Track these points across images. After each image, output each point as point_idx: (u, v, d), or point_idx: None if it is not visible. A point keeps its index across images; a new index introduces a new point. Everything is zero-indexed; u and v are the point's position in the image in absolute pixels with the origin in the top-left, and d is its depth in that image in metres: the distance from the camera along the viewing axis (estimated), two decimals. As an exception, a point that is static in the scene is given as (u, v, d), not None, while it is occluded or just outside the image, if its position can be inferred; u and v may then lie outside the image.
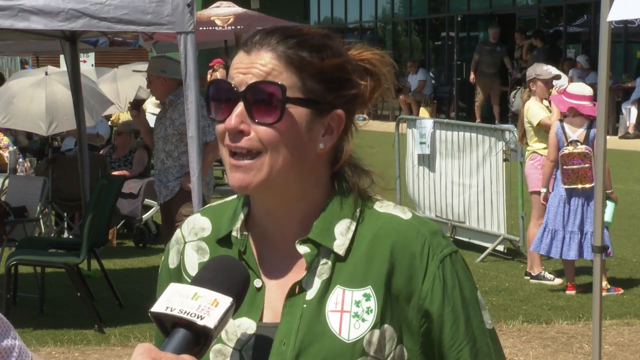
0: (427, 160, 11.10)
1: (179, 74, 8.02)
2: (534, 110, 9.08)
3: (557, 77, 9.55)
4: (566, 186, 8.54)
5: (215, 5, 16.00)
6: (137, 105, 8.58)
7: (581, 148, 8.48)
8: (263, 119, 1.79)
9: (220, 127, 1.83)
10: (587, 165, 8.42)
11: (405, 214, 1.89)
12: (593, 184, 8.32)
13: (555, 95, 8.97)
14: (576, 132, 8.56)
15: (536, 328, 7.73)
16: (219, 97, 1.84)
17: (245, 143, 1.80)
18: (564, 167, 8.50)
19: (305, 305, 1.82)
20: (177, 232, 1.99)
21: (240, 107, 1.80)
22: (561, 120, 8.72)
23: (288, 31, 1.85)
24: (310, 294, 1.83)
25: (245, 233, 1.90)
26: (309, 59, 1.82)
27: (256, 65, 1.81)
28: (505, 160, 10.20)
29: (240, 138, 1.80)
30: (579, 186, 8.50)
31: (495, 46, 24.27)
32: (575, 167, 8.45)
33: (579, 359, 6.97)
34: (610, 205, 8.55)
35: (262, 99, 1.79)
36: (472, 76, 24.45)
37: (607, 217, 8.54)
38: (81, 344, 7.38)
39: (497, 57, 24.29)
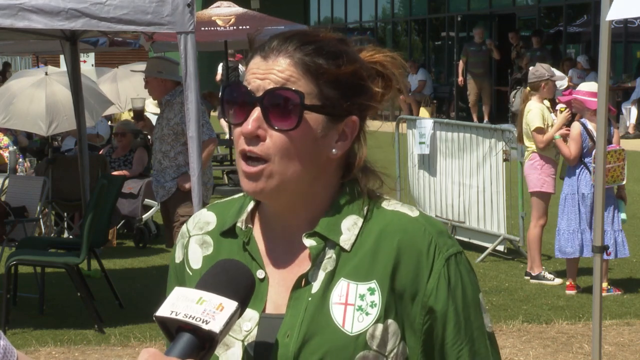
0: (427, 160, 11.09)
1: (175, 75, 8.04)
2: (534, 115, 8.99)
3: (561, 79, 9.57)
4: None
5: (215, 5, 16.00)
6: (139, 116, 8.63)
7: (614, 146, 8.50)
8: (280, 125, 1.81)
9: (236, 130, 1.84)
10: (622, 163, 8.44)
11: (412, 212, 1.90)
12: (624, 182, 8.39)
13: (567, 95, 8.91)
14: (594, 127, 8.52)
15: (536, 328, 7.72)
16: (235, 100, 1.85)
17: (259, 149, 1.81)
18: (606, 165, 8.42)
19: (310, 299, 1.83)
20: (183, 228, 2.01)
21: (257, 112, 1.82)
22: (576, 118, 8.71)
23: (305, 37, 1.86)
24: (316, 287, 1.84)
25: (250, 225, 1.92)
26: (325, 66, 1.83)
27: (273, 71, 1.82)
28: (505, 160, 10.19)
29: (256, 143, 1.82)
30: (615, 185, 8.47)
31: (480, 46, 24.44)
32: (610, 165, 8.39)
33: (579, 359, 6.97)
34: (621, 204, 8.60)
35: (279, 105, 1.81)
36: (460, 79, 24.54)
37: (623, 215, 8.60)
38: (81, 344, 7.38)
39: (484, 56, 24.44)
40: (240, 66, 21.02)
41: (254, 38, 1.96)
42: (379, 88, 1.91)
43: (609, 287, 8.68)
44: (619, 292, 8.74)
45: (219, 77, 22.29)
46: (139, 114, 8.73)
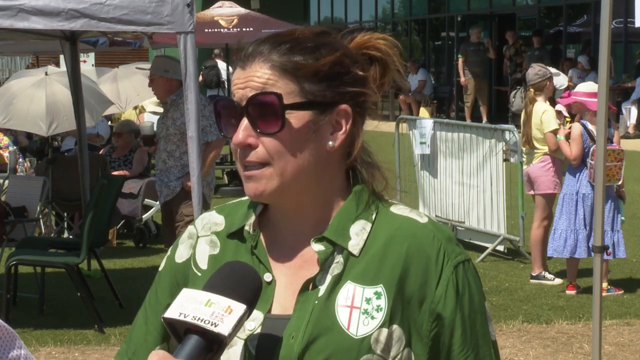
0: (427, 160, 11.10)
1: (181, 75, 8.04)
2: (550, 116, 8.88)
3: (557, 75, 9.52)
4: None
5: (217, 5, 16.01)
6: (149, 141, 8.66)
7: (614, 146, 8.48)
8: (266, 129, 1.81)
9: (232, 143, 1.86)
10: (619, 162, 8.43)
11: (421, 218, 1.89)
12: (620, 181, 8.37)
13: (567, 98, 8.89)
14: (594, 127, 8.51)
15: (536, 328, 7.73)
16: (224, 114, 1.87)
17: (253, 157, 1.82)
18: (592, 162, 8.42)
19: (316, 302, 1.83)
20: (191, 228, 2.00)
21: (245, 122, 1.82)
22: (575, 119, 8.70)
23: (279, 37, 1.86)
24: (322, 291, 1.84)
25: (257, 229, 1.92)
26: (302, 62, 1.82)
27: (252, 78, 1.82)
28: (505, 160, 10.18)
29: (249, 152, 1.82)
30: (614, 185, 8.46)
31: (478, 45, 24.54)
32: (607, 164, 8.37)
33: (579, 359, 6.97)
34: (620, 204, 8.61)
35: (262, 110, 1.81)
36: (462, 79, 24.52)
37: (622, 215, 8.61)
38: (81, 344, 7.38)
39: (484, 56, 24.54)
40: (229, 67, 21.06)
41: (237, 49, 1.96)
42: (376, 72, 1.90)
43: (609, 287, 8.68)
44: (619, 292, 8.74)
45: (200, 78, 22.42)
46: (149, 140, 8.76)
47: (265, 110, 1.81)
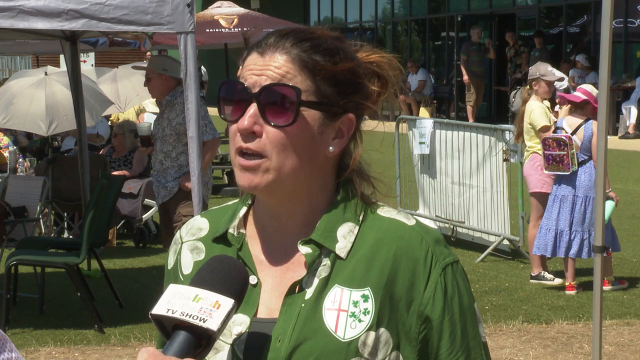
0: (427, 160, 11.10)
1: (179, 74, 8.03)
2: (538, 114, 9.00)
3: (561, 79, 9.59)
4: (547, 172, 8.70)
5: (216, 5, 16.01)
6: (146, 142, 8.65)
7: (559, 135, 8.57)
8: (276, 121, 1.80)
9: (232, 127, 1.84)
10: (563, 152, 8.50)
11: (409, 221, 1.89)
12: (569, 172, 8.42)
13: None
14: (570, 122, 8.68)
15: (536, 328, 7.73)
16: (231, 97, 1.85)
17: (255, 146, 1.80)
18: (545, 152, 8.62)
19: (303, 305, 1.82)
20: (177, 234, 2.01)
21: (253, 108, 1.81)
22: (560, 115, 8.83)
23: (302, 34, 1.86)
24: (309, 293, 1.83)
25: (242, 231, 1.91)
26: (322, 63, 1.82)
27: (270, 67, 1.81)
28: (505, 160, 10.19)
29: (252, 139, 1.81)
30: (557, 173, 8.61)
31: (480, 45, 24.67)
32: (554, 152, 8.52)
33: (579, 359, 6.97)
34: (608, 204, 8.58)
35: (276, 101, 1.80)
36: (465, 77, 24.55)
37: (605, 215, 8.59)
38: (81, 344, 7.38)
39: (484, 56, 24.66)
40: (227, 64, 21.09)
41: (249, 37, 1.96)
42: (376, 88, 1.91)
43: (614, 280, 8.80)
44: (624, 285, 8.83)
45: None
46: (146, 140, 8.76)
47: (279, 102, 1.80)
